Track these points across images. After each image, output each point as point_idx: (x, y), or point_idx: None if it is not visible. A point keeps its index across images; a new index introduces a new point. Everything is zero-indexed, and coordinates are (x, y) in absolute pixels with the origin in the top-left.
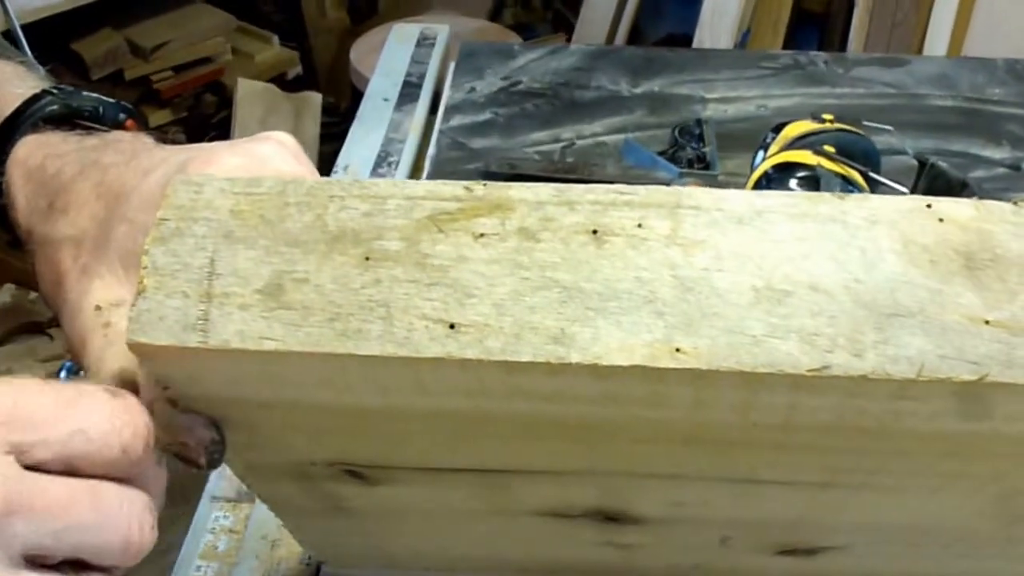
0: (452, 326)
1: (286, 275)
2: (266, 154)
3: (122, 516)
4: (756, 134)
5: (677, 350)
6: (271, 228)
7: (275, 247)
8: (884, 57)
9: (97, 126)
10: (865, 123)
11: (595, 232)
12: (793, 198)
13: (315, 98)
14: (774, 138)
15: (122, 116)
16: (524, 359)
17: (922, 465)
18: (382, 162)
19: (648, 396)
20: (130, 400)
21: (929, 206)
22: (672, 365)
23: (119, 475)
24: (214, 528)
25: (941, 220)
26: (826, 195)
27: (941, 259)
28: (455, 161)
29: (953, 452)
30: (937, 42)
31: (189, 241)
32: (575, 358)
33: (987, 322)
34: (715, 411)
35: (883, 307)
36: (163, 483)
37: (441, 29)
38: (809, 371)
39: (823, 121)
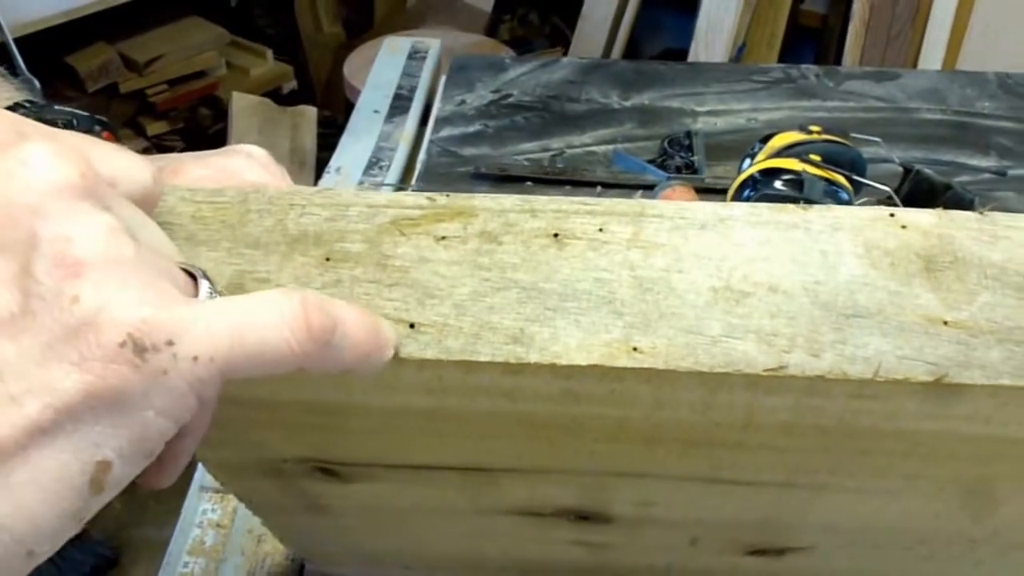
0: (412, 326)
1: (247, 275)
2: (235, 167)
3: None
4: (745, 146)
5: (635, 349)
6: (233, 231)
7: (237, 249)
8: (875, 71)
9: None
10: (853, 135)
11: (556, 236)
12: (757, 207)
13: (311, 112)
14: (761, 148)
15: (97, 128)
16: (483, 359)
17: (883, 465)
18: (373, 166)
19: (608, 395)
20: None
21: (892, 215)
22: (630, 364)
23: None
24: (202, 522)
25: (904, 227)
26: (790, 206)
27: (901, 262)
28: (446, 166)
29: (913, 452)
30: (932, 56)
31: None
32: (533, 358)
33: (946, 323)
34: (675, 410)
35: (842, 308)
36: None
37: (432, 43)
38: (766, 371)
39: (810, 132)
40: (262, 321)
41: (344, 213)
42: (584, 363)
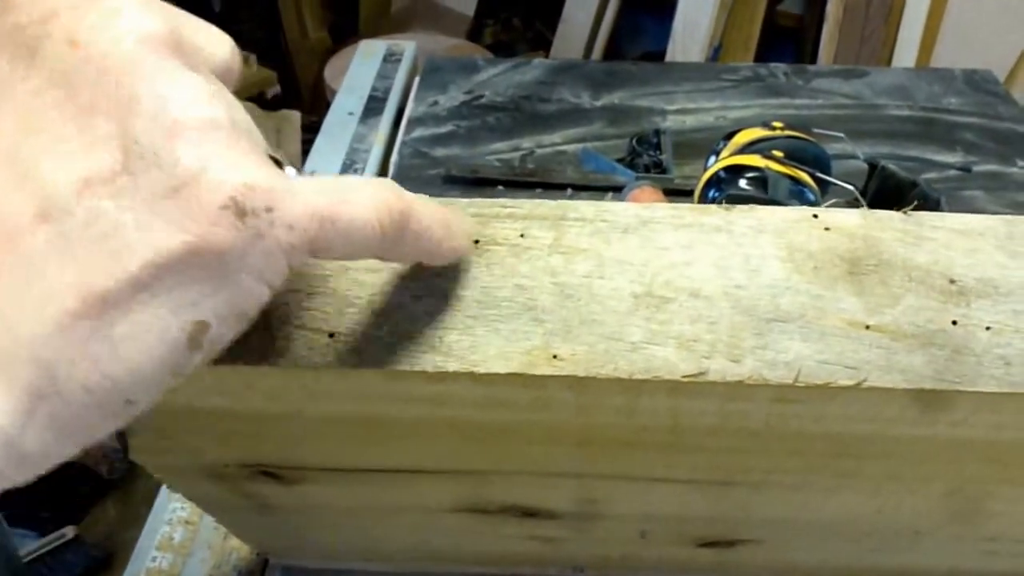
0: (331, 335)
1: None
2: None
3: None
4: (713, 143)
5: (555, 357)
6: None
7: None
8: (843, 69)
9: None
10: (816, 130)
11: (477, 242)
12: (679, 209)
13: (294, 116)
14: (725, 145)
15: None
16: (402, 368)
17: (816, 465)
18: (348, 168)
19: (532, 401)
20: None
21: (816, 216)
22: (550, 372)
23: None
24: (171, 519)
25: (828, 229)
26: (712, 207)
27: (825, 265)
28: (417, 168)
29: (844, 452)
30: (905, 55)
31: None
32: (452, 367)
33: (868, 327)
34: (601, 415)
35: (763, 312)
36: None
37: (408, 45)
38: (686, 377)
39: (773, 128)
40: (354, 201)
41: None
42: (503, 371)
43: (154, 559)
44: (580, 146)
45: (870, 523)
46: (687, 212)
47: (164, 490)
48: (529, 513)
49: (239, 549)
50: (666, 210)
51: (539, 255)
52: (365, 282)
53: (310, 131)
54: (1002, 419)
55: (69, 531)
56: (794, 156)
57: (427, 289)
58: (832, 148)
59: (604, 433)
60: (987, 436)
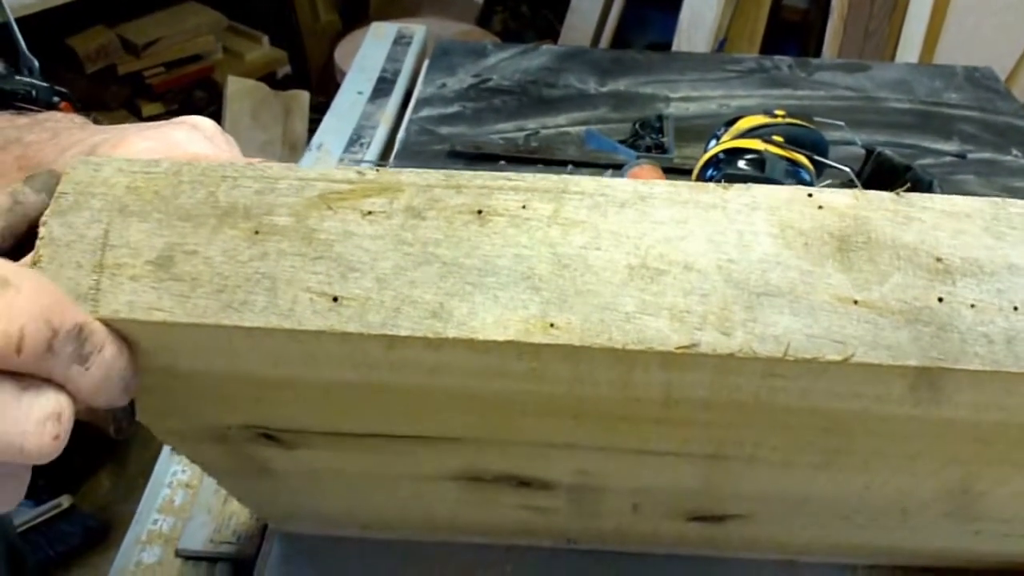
0: (335, 299)
1: (177, 247)
2: (178, 138)
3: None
4: (715, 129)
5: (551, 325)
6: (165, 203)
7: (168, 220)
8: (846, 62)
9: (32, 107)
10: (816, 119)
11: (480, 212)
12: (677, 186)
13: (303, 96)
14: (727, 130)
15: (56, 99)
16: (403, 333)
17: (804, 440)
18: (354, 143)
19: (527, 371)
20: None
21: (810, 195)
22: (546, 340)
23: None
24: (171, 483)
25: (820, 207)
26: (710, 184)
27: (815, 242)
28: (423, 143)
29: (832, 428)
30: (909, 51)
31: (85, 214)
32: (451, 333)
33: (856, 302)
34: (595, 387)
35: (754, 287)
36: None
37: (418, 29)
38: (678, 348)
39: (775, 116)
40: None
41: (274, 186)
42: (501, 339)
43: (155, 521)
44: (584, 128)
45: (858, 500)
46: (684, 189)
47: (165, 454)
48: (524, 482)
49: (239, 513)
50: (664, 186)
51: (538, 226)
52: (369, 248)
53: (318, 111)
54: (985, 399)
55: (65, 500)
56: (793, 141)
57: (429, 256)
58: (832, 136)
59: (598, 406)
60: (971, 416)
